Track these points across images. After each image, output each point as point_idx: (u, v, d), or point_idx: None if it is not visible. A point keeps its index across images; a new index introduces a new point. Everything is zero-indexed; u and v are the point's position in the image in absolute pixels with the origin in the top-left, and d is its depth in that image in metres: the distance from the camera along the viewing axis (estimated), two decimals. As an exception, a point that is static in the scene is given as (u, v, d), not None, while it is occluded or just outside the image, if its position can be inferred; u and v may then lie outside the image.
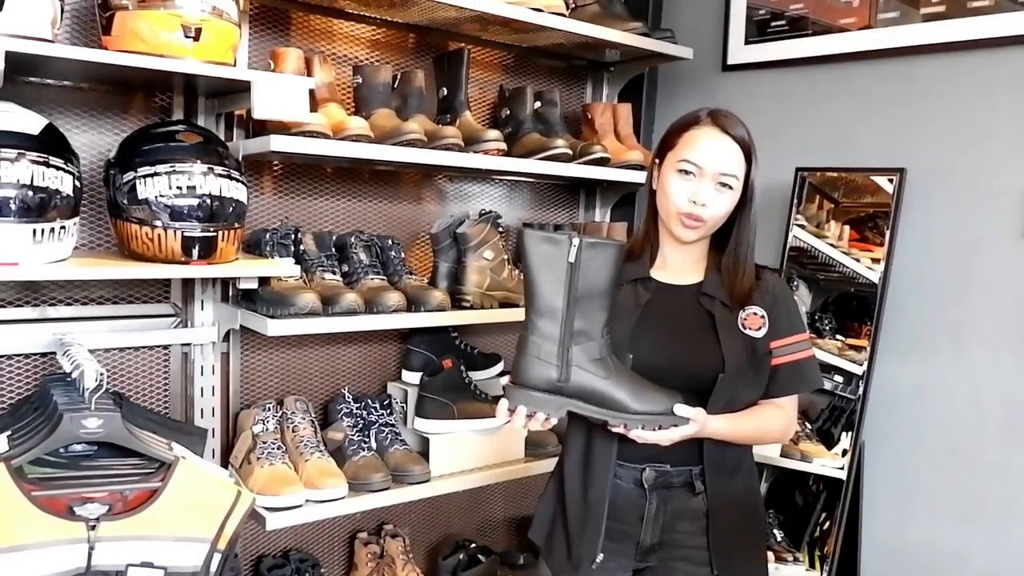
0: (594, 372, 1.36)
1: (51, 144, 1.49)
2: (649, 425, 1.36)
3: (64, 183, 1.48)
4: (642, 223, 1.57)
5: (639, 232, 1.57)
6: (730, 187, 1.44)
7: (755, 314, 1.48)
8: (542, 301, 1.35)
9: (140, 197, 1.57)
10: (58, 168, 1.47)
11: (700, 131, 1.46)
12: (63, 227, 1.49)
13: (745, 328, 1.47)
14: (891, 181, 2.16)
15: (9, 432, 1.51)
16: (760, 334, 1.48)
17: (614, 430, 1.39)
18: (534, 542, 1.64)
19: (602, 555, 1.48)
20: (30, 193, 1.42)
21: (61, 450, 1.48)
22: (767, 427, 1.50)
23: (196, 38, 1.56)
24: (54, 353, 1.74)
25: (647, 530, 1.49)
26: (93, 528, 1.40)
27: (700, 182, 1.44)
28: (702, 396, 1.43)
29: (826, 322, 2.26)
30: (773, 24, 2.44)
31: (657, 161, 1.53)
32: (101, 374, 1.45)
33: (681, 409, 1.36)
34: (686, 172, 1.45)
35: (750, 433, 1.49)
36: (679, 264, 1.53)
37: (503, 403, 1.39)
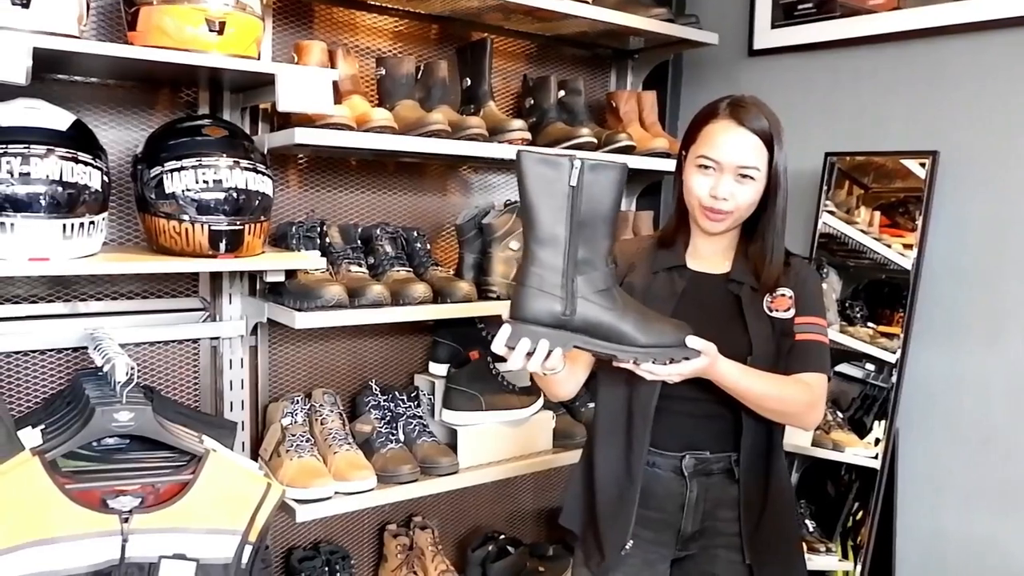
0: (600, 303, 1.26)
1: (79, 140, 1.50)
2: (660, 359, 1.28)
3: (92, 178, 1.49)
4: (673, 212, 1.56)
5: (671, 221, 1.57)
6: (752, 178, 1.43)
7: (783, 295, 1.48)
8: (542, 229, 1.24)
9: (167, 191, 1.58)
10: (86, 164, 1.48)
11: (717, 125, 1.45)
12: (92, 222, 1.50)
13: (773, 311, 1.47)
14: (923, 165, 2.12)
15: (43, 426, 1.53)
16: (789, 315, 1.47)
17: (622, 365, 1.31)
18: (567, 527, 1.63)
19: (632, 541, 1.47)
20: (59, 189, 1.43)
21: (94, 443, 1.49)
22: (785, 394, 1.42)
23: (220, 32, 1.56)
24: (85, 348, 1.76)
25: (688, 518, 1.49)
26: (126, 520, 1.42)
27: (720, 177, 1.43)
28: None
29: (857, 309, 2.22)
30: (800, 7, 2.40)
31: (684, 153, 1.52)
32: (132, 368, 1.46)
33: (693, 341, 1.30)
34: (705, 167, 1.45)
35: (764, 391, 1.40)
36: (710, 253, 1.54)
37: (500, 338, 1.25)
